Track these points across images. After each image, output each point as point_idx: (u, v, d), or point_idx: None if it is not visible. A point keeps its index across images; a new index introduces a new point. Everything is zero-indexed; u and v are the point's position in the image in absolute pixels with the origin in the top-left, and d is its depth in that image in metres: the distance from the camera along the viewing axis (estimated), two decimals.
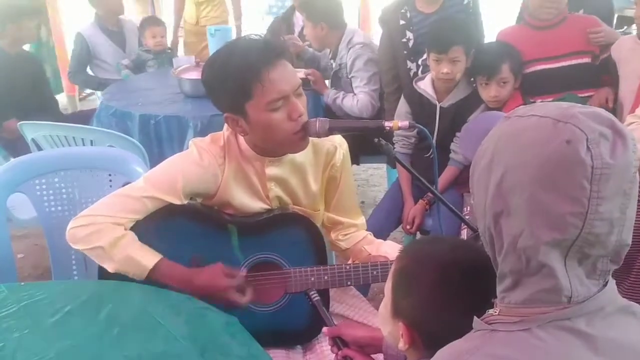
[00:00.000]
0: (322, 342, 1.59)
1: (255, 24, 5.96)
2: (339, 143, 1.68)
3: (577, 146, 0.73)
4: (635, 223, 0.80)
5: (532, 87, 2.64)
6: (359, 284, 1.62)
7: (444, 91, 2.61)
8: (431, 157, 1.56)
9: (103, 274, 1.52)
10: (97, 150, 2.46)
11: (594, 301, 0.79)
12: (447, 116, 2.61)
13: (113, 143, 2.57)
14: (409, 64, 2.95)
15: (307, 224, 1.60)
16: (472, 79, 2.65)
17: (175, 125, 2.87)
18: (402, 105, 2.72)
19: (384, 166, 3.90)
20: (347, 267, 1.56)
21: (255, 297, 1.55)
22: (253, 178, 1.59)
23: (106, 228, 1.47)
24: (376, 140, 1.48)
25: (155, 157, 2.61)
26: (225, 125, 1.58)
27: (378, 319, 1.10)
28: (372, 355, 1.30)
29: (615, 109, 2.60)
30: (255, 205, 1.61)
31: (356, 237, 1.78)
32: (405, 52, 2.94)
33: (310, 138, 1.53)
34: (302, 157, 1.60)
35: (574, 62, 2.65)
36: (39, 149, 2.75)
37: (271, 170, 1.58)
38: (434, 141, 1.90)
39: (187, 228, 1.56)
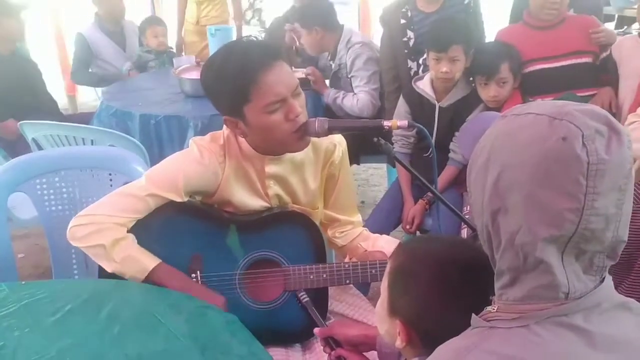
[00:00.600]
0: None
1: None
2: (338, 141, 1.68)
3: (572, 142, 0.74)
4: (636, 223, 0.81)
5: (532, 87, 2.65)
6: (358, 282, 1.63)
7: (443, 91, 2.61)
8: (430, 156, 1.57)
9: (103, 274, 1.53)
10: (98, 150, 2.46)
11: (591, 297, 0.79)
12: (446, 116, 2.61)
13: (114, 143, 2.57)
14: (410, 63, 2.96)
15: (307, 222, 1.61)
16: (471, 79, 2.66)
17: (176, 125, 2.87)
18: (402, 105, 2.72)
19: (384, 166, 3.91)
20: (346, 266, 1.57)
21: (255, 295, 1.56)
22: (253, 176, 1.59)
23: (107, 227, 1.47)
24: (375, 139, 1.49)
25: (155, 157, 2.61)
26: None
27: (375, 317, 1.10)
28: (367, 353, 1.30)
29: (618, 106, 2.60)
30: (254, 203, 1.61)
31: (352, 234, 1.79)
32: (405, 51, 2.94)
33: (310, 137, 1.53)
34: (302, 155, 1.61)
35: (573, 61, 2.65)
36: (40, 148, 2.75)
37: (271, 169, 1.59)
38: (433, 141, 1.90)
39: (186, 226, 1.57)
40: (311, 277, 1.56)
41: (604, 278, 0.82)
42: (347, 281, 1.59)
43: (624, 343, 0.80)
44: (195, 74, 3.15)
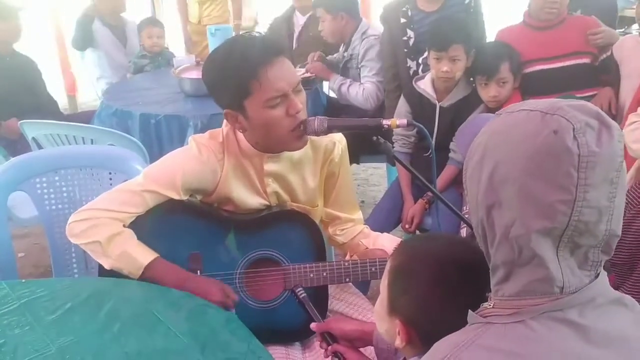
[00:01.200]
0: None
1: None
2: (337, 139, 1.69)
3: (564, 135, 0.75)
4: (637, 224, 0.81)
5: (532, 87, 2.65)
6: (358, 280, 1.63)
7: (444, 91, 2.62)
8: (430, 156, 1.57)
9: (103, 272, 1.53)
10: (98, 149, 2.46)
11: (586, 292, 0.80)
12: (447, 116, 2.61)
13: (113, 142, 2.57)
14: (409, 62, 2.96)
15: (306, 221, 1.61)
16: (471, 79, 2.66)
17: (176, 125, 2.88)
18: (402, 105, 2.73)
19: (383, 165, 3.91)
20: (346, 264, 1.57)
21: (255, 293, 1.56)
22: (251, 174, 1.59)
23: (104, 223, 1.47)
24: (375, 138, 1.49)
25: (155, 156, 2.59)
26: (224, 122, 1.58)
27: (374, 316, 1.10)
28: (363, 349, 1.30)
29: (618, 108, 2.60)
30: (253, 201, 1.61)
31: (353, 231, 1.79)
32: (405, 50, 2.95)
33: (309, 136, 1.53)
34: (301, 153, 1.61)
35: (573, 62, 2.65)
36: (40, 147, 2.75)
37: (269, 167, 1.59)
38: (433, 141, 1.91)
39: (186, 225, 1.57)
40: (311, 275, 1.56)
41: (598, 273, 0.83)
42: (347, 279, 1.59)
43: (619, 338, 0.81)
44: (195, 74, 3.16)
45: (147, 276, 1.47)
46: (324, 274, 1.56)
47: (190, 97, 3.16)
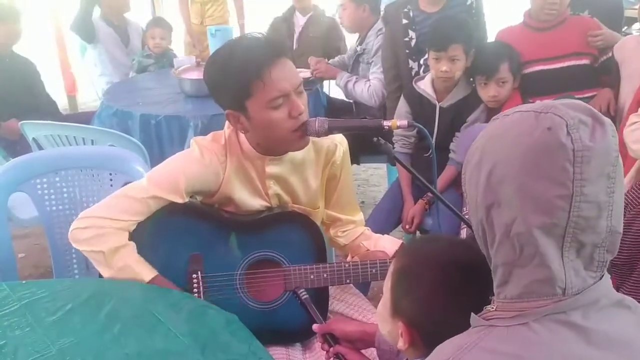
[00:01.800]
0: None
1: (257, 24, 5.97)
2: (339, 141, 1.69)
3: (557, 131, 0.77)
4: (637, 225, 0.81)
5: (531, 88, 2.65)
6: (358, 281, 1.63)
7: (444, 91, 2.62)
8: (431, 156, 1.57)
9: None
10: (98, 150, 2.46)
11: (589, 293, 0.80)
12: (447, 116, 2.61)
13: (114, 142, 2.57)
14: (411, 63, 2.96)
15: (307, 222, 1.61)
16: (471, 79, 2.66)
17: (176, 125, 2.88)
18: (402, 105, 2.73)
19: (384, 166, 3.91)
20: (347, 265, 1.57)
21: (255, 294, 1.56)
22: (253, 176, 1.59)
23: (108, 233, 1.47)
24: (375, 139, 1.49)
25: (155, 157, 2.62)
26: (227, 124, 1.58)
27: (377, 317, 1.10)
28: (365, 351, 1.30)
29: (616, 109, 2.60)
30: (255, 202, 1.61)
31: (355, 233, 1.79)
32: (407, 51, 2.94)
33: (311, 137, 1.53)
34: (303, 155, 1.61)
35: (572, 63, 2.65)
36: (40, 148, 2.75)
37: (271, 169, 1.59)
38: (433, 141, 1.90)
39: (187, 227, 1.57)
40: (311, 276, 1.56)
41: (603, 275, 0.83)
42: (348, 280, 1.59)
43: (622, 341, 0.81)
44: (196, 74, 3.16)
45: None
46: (325, 275, 1.56)
47: (190, 97, 3.16)
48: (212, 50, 3.31)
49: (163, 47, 4.11)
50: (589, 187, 0.77)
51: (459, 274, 0.95)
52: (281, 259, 1.58)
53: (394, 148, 2.65)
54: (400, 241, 1.71)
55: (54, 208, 2.02)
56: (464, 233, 2.38)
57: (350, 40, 3.77)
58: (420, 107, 2.67)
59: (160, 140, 2.90)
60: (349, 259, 1.78)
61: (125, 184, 1.70)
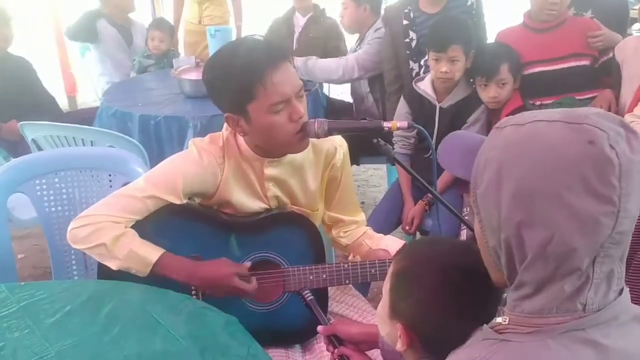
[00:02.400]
0: (321, 341, 1.59)
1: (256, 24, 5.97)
2: (339, 144, 1.69)
3: (601, 145, 0.72)
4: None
5: (531, 89, 2.64)
6: (358, 282, 1.63)
7: (444, 92, 2.61)
8: (431, 157, 1.57)
9: (103, 274, 1.53)
10: (97, 151, 2.46)
11: (610, 310, 0.77)
12: (447, 117, 2.61)
13: (113, 143, 2.57)
14: (412, 64, 2.96)
15: (306, 223, 1.61)
16: (471, 80, 2.66)
17: (175, 126, 2.87)
18: (402, 106, 2.72)
19: (384, 167, 3.91)
20: (346, 266, 1.57)
21: (255, 296, 1.56)
22: (252, 178, 1.59)
23: (106, 226, 1.47)
24: (375, 140, 1.49)
25: (155, 158, 2.61)
26: (225, 126, 1.58)
27: (376, 318, 1.10)
28: (369, 352, 1.30)
29: (617, 110, 2.60)
30: (253, 204, 1.61)
31: (357, 233, 1.79)
32: (408, 52, 2.94)
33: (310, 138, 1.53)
34: (302, 157, 1.61)
35: (572, 64, 2.65)
36: (40, 149, 2.75)
37: (270, 171, 1.59)
38: (433, 142, 1.90)
39: (185, 228, 1.57)
40: (310, 277, 1.56)
41: (622, 289, 0.80)
42: (347, 281, 1.59)
43: (638, 356, 0.78)
44: (195, 75, 3.16)
45: (156, 272, 1.46)
46: (324, 276, 1.56)
47: (190, 98, 3.16)
48: (211, 50, 3.31)
49: (162, 50, 4.10)
50: (631, 202, 0.74)
51: (458, 276, 0.94)
52: (280, 260, 1.58)
53: (393, 149, 2.65)
54: (403, 241, 1.71)
55: (53, 209, 2.02)
56: (464, 234, 2.38)
57: (351, 40, 3.77)
58: (421, 108, 2.66)
59: (159, 141, 2.89)
60: (350, 257, 1.78)
61: (124, 184, 1.70)
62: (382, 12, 3.16)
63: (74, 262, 2.03)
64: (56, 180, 2.03)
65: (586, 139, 0.72)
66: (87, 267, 2.02)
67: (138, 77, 3.94)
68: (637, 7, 3.38)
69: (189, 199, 1.57)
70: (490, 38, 2.99)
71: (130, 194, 1.52)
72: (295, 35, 4.06)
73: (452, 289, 0.94)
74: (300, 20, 4.07)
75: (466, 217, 2.11)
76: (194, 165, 1.54)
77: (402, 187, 2.68)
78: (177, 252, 1.53)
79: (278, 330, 1.57)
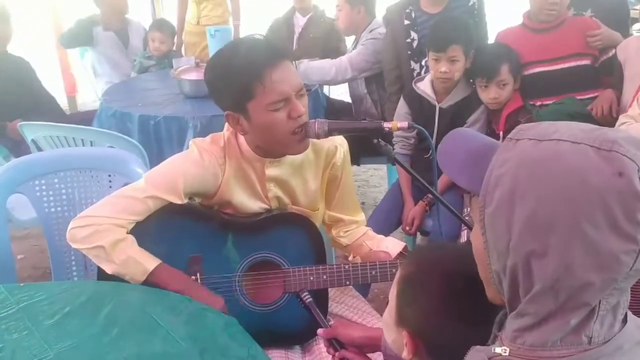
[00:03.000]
0: (321, 342, 1.58)
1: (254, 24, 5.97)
2: (339, 143, 1.68)
3: (631, 178, 0.66)
4: None
5: (532, 89, 2.64)
6: (358, 283, 1.62)
7: (443, 92, 2.61)
8: (431, 158, 1.56)
9: (102, 275, 1.53)
10: (97, 151, 2.46)
11: (615, 342, 0.73)
12: (447, 117, 2.60)
13: (113, 144, 2.57)
14: (413, 64, 2.95)
15: (306, 224, 1.61)
16: (471, 81, 2.65)
17: (175, 126, 2.87)
18: (402, 106, 2.72)
19: (384, 167, 3.90)
20: (346, 267, 1.56)
21: (255, 296, 1.55)
22: (253, 178, 1.59)
23: (107, 229, 1.47)
24: (375, 141, 1.49)
25: (154, 158, 2.61)
26: (226, 126, 1.58)
27: (382, 325, 1.09)
28: (371, 355, 1.29)
29: (619, 110, 2.59)
30: (254, 205, 1.61)
31: (357, 233, 1.79)
32: (409, 52, 2.93)
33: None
34: (302, 156, 1.60)
35: (573, 64, 2.64)
36: (39, 149, 2.75)
37: (271, 171, 1.58)
38: (433, 142, 1.89)
39: (185, 228, 1.56)
40: (311, 278, 1.55)
41: (625, 316, 0.76)
42: (347, 282, 1.58)
43: None
44: (195, 75, 3.15)
45: (150, 281, 1.46)
46: (324, 277, 1.55)
47: (189, 98, 3.15)
48: (211, 51, 3.31)
49: (162, 51, 4.09)
50: None
51: (463, 284, 0.92)
52: (280, 261, 1.57)
53: (393, 149, 2.64)
54: (404, 243, 1.71)
55: (53, 209, 2.02)
56: (464, 235, 2.37)
57: (351, 41, 3.77)
58: (420, 108, 2.66)
59: (159, 141, 2.89)
60: (350, 258, 1.78)
61: (124, 185, 1.69)
62: (384, 11, 3.14)
63: (73, 262, 2.03)
64: (56, 180, 2.02)
65: (616, 170, 0.66)
66: (87, 267, 2.02)
67: (138, 78, 3.93)
68: (638, 7, 3.37)
69: (189, 199, 1.57)
70: (490, 39, 2.99)
71: (131, 194, 1.52)
72: (295, 36, 4.06)
73: (457, 297, 0.92)
74: (300, 21, 4.07)
75: (467, 218, 2.10)
76: (194, 166, 1.54)
77: (402, 187, 2.67)
78: (178, 252, 1.53)
79: (278, 331, 1.57)
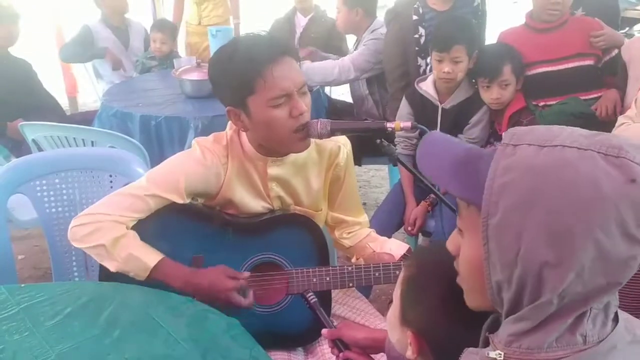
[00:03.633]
0: (323, 344, 1.58)
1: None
2: (342, 143, 1.68)
3: None
4: None
5: (535, 90, 2.63)
6: (361, 285, 1.61)
7: (446, 92, 2.60)
8: None
9: (104, 275, 1.52)
10: (98, 151, 2.45)
11: (609, 341, 0.73)
12: (449, 117, 2.60)
13: (114, 144, 2.56)
14: (420, 60, 2.93)
15: (309, 225, 1.60)
16: (473, 81, 2.65)
17: (176, 126, 2.86)
18: (404, 107, 2.71)
19: (385, 167, 3.90)
20: (349, 269, 1.56)
21: (257, 298, 1.55)
22: (255, 177, 1.58)
23: (107, 226, 1.46)
24: (378, 141, 1.48)
25: (156, 158, 2.60)
26: (229, 124, 1.57)
27: (387, 325, 1.09)
28: (375, 356, 1.29)
29: (623, 110, 2.58)
30: (256, 204, 1.60)
31: (360, 234, 1.78)
32: (416, 48, 2.91)
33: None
34: (305, 156, 1.60)
35: (576, 64, 2.63)
36: (40, 150, 2.74)
37: (273, 171, 1.57)
38: None
39: (188, 228, 1.56)
40: (314, 280, 1.54)
41: (616, 314, 0.76)
42: (350, 284, 1.57)
43: None
44: (196, 75, 3.14)
45: (154, 277, 1.45)
46: (327, 278, 1.54)
47: (190, 98, 3.15)
48: (212, 50, 3.30)
49: (163, 52, 4.09)
50: None
51: None
52: (283, 262, 1.56)
53: (396, 150, 2.64)
54: (407, 245, 1.70)
55: (54, 210, 2.01)
56: None
57: (352, 41, 3.76)
58: (422, 109, 2.65)
59: (160, 142, 2.88)
60: (353, 260, 1.77)
61: (125, 185, 1.69)
62: (386, 11, 3.13)
63: (74, 263, 2.02)
64: (57, 181, 2.02)
65: (628, 177, 0.66)
66: (88, 268, 2.01)
67: (138, 78, 3.93)
68: (638, 7, 3.37)
69: (192, 199, 1.56)
70: (492, 39, 2.98)
71: (132, 192, 1.51)
72: (297, 36, 4.05)
73: (459, 297, 0.92)
74: (301, 21, 4.07)
75: None
76: (196, 165, 1.53)
77: (404, 188, 2.66)
78: (180, 252, 1.52)
79: (280, 333, 1.56)
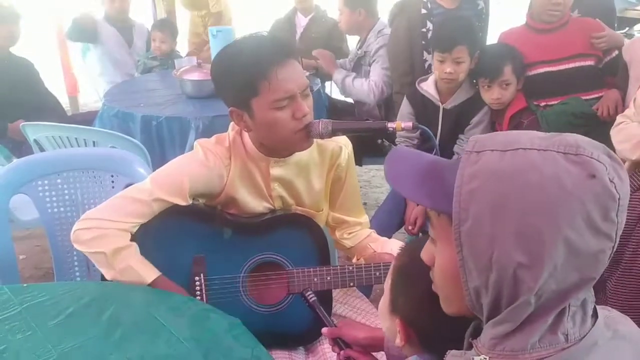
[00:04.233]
0: (325, 343, 1.58)
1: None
2: (344, 144, 1.68)
3: (603, 180, 0.68)
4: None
5: (536, 90, 2.63)
6: (362, 284, 1.62)
7: (447, 93, 2.61)
8: None
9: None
10: (100, 152, 2.45)
11: (590, 338, 0.74)
12: (450, 118, 2.60)
13: (115, 144, 2.56)
14: (425, 55, 2.93)
15: (311, 225, 1.60)
16: (474, 81, 2.65)
17: (177, 126, 2.86)
18: (405, 107, 2.71)
19: None
20: (350, 268, 1.56)
21: (258, 297, 1.55)
22: (257, 178, 1.58)
23: (111, 234, 1.46)
24: (379, 141, 1.48)
25: (157, 159, 2.61)
26: (231, 125, 1.58)
27: (378, 313, 1.11)
28: (375, 354, 1.30)
29: (624, 111, 2.59)
30: (258, 205, 1.60)
31: (361, 235, 1.78)
32: (423, 42, 2.92)
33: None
34: (307, 157, 1.60)
35: (577, 64, 2.64)
36: (42, 150, 2.74)
37: (275, 171, 1.58)
38: (437, 143, 1.89)
39: (190, 229, 1.56)
40: (315, 279, 1.55)
41: (594, 311, 0.77)
42: (351, 284, 1.58)
43: None
44: (197, 75, 3.15)
45: None
46: (328, 278, 1.55)
47: (192, 98, 3.15)
48: (213, 51, 3.30)
49: (163, 51, 4.09)
50: (619, 236, 0.70)
51: None
52: (284, 262, 1.57)
53: None
54: None
55: (55, 210, 2.01)
56: None
57: (352, 41, 3.77)
58: (423, 109, 2.65)
59: (161, 142, 2.88)
60: (354, 260, 1.77)
61: (127, 185, 1.69)
62: (390, 9, 3.14)
63: (76, 263, 2.02)
64: (58, 181, 2.02)
65: (588, 173, 0.68)
66: (90, 268, 2.01)
67: (140, 78, 3.94)
68: (638, 7, 3.37)
69: (193, 199, 1.57)
70: (492, 39, 2.98)
71: (137, 196, 1.51)
72: (297, 36, 4.06)
73: None
74: (302, 21, 4.07)
75: None
76: (200, 167, 1.53)
77: None
78: (181, 252, 1.53)
79: (282, 333, 1.56)
